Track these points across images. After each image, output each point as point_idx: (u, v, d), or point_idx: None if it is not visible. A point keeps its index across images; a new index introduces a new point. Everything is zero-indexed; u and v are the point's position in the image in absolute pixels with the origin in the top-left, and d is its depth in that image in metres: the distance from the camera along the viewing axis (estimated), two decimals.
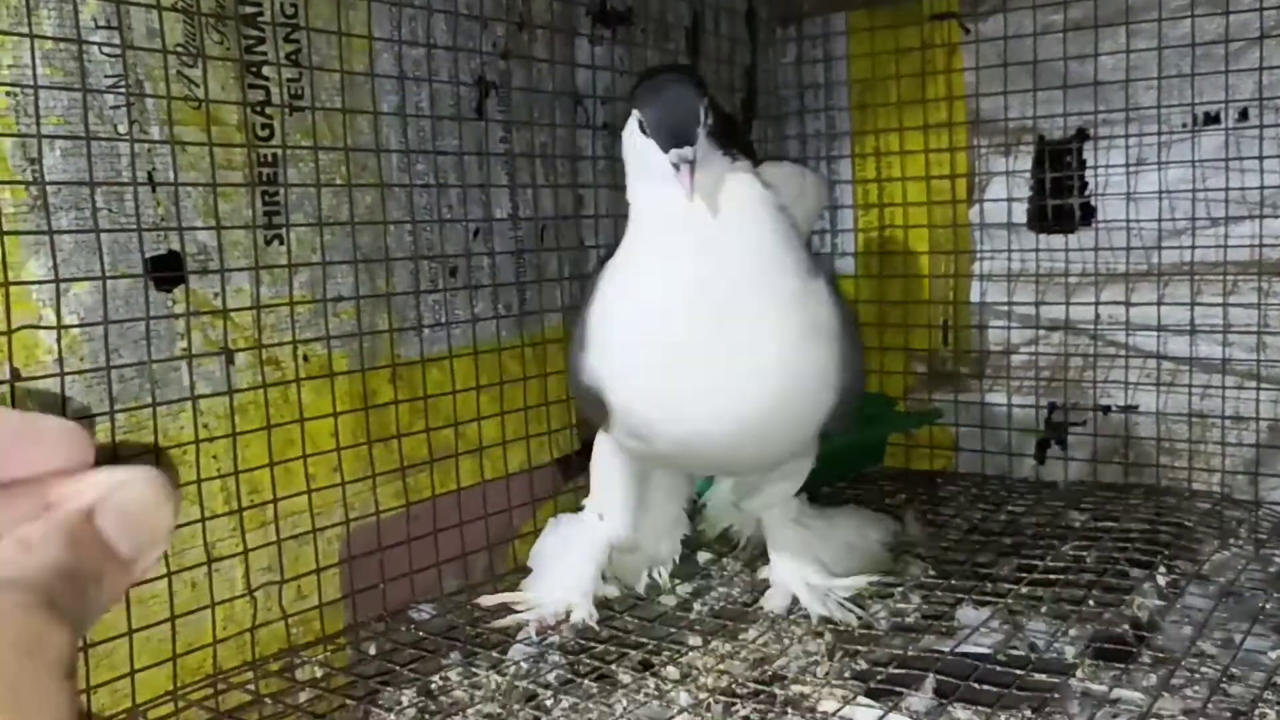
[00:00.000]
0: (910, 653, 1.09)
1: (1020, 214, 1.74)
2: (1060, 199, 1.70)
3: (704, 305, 0.99)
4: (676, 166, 0.95)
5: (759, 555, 1.34)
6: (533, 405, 1.44)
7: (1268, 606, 1.19)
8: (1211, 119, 1.57)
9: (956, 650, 1.09)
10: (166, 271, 1.06)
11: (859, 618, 1.18)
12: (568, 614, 1.18)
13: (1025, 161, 1.73)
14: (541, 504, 1.46)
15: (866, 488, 1.71)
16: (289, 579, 1.16)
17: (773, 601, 1.23)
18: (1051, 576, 1.28)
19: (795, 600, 1.22)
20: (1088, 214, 1.68)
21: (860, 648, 1.11)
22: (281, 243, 1.16)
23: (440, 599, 1.31)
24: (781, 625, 1.19)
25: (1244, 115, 1.54)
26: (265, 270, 1.14)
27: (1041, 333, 1.74)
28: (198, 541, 1.08)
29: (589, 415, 1.14)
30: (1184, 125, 1.59)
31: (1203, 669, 1.05)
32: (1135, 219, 1.63)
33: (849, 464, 1.75)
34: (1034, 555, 1.35)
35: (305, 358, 1.19)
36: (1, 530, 0.35)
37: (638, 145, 1.00)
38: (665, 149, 0.96)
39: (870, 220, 1.88)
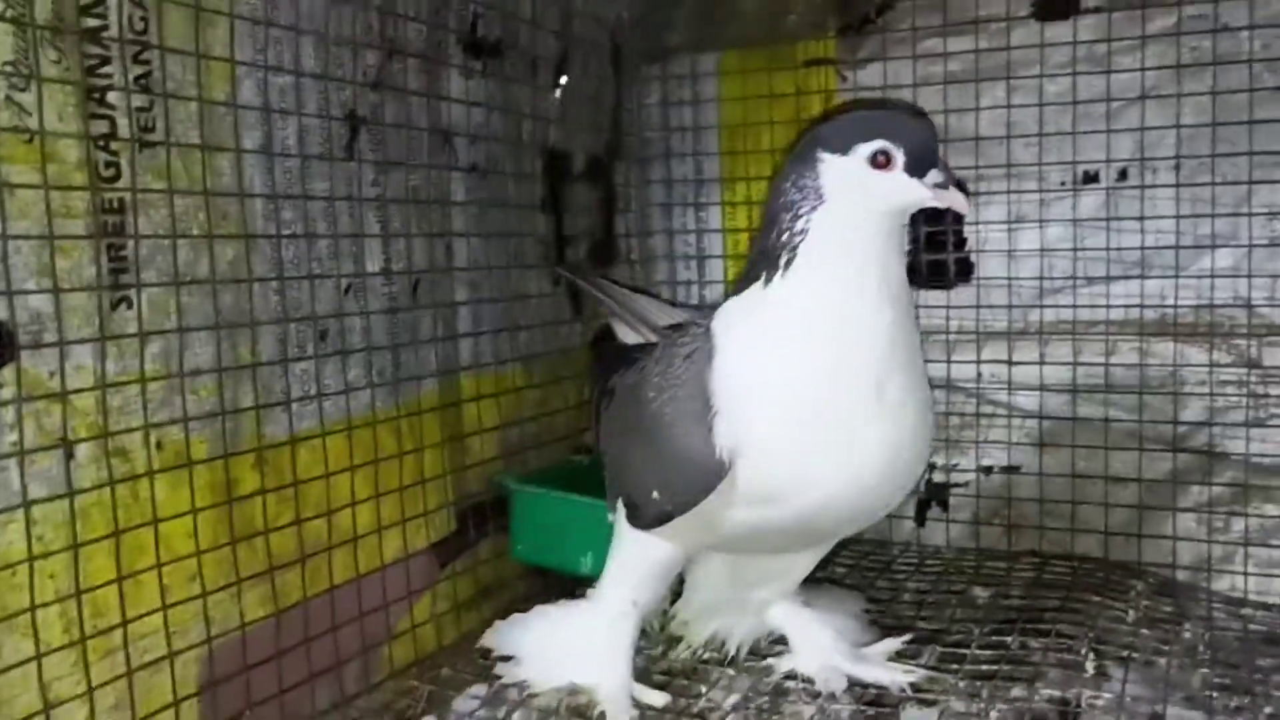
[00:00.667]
0: None
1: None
2: (938, 254, 1.66)
3: (872, 367, 0.97)
4: (944, 185, 0.96)
5: (749, 654, 1.25)
6: (409, 484, 1.27)
7: (1193, 682, 1.16)
8: (1091, 178, 1.57)
9: None
10: None
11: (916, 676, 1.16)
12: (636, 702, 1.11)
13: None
14: (419, 596, 1.29)
15: None
16: (142, 718, 0.95)
17: (832, 683, 1.15)
18: (961, 651, 1.23)
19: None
20: (966, 270, 1.65)
21: None
22: (130, 307, 0.95)
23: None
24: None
25: (1123, 175, 1.54)
26: (111, 341, 0.93)
27: None
28: (31, 685, 0.85)
29: (681, 498, 1.02)
30: (1063, 183, 1.58)
31: None
32: (1015, 276, 1.61)
33: None
34: (944, 633, 1.30)
35: (158, 445, 0.98)
36: None
37: (866, 180, 0.97)
38: (923, 174, 0.96)
39: (741, 271, 1.79)
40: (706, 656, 1.25)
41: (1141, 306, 1.54)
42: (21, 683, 0.85)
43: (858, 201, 0.97)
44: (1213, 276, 1.51)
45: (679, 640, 1.26)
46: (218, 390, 1.03)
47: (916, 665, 1.21)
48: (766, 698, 1.17)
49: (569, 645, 1.15)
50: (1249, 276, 1.49)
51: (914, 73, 1.63)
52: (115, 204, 0.94)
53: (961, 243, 1.65)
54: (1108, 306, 1.56)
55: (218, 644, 1.02)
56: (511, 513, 1.42)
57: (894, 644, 1.22)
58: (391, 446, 1.24)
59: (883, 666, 1.18)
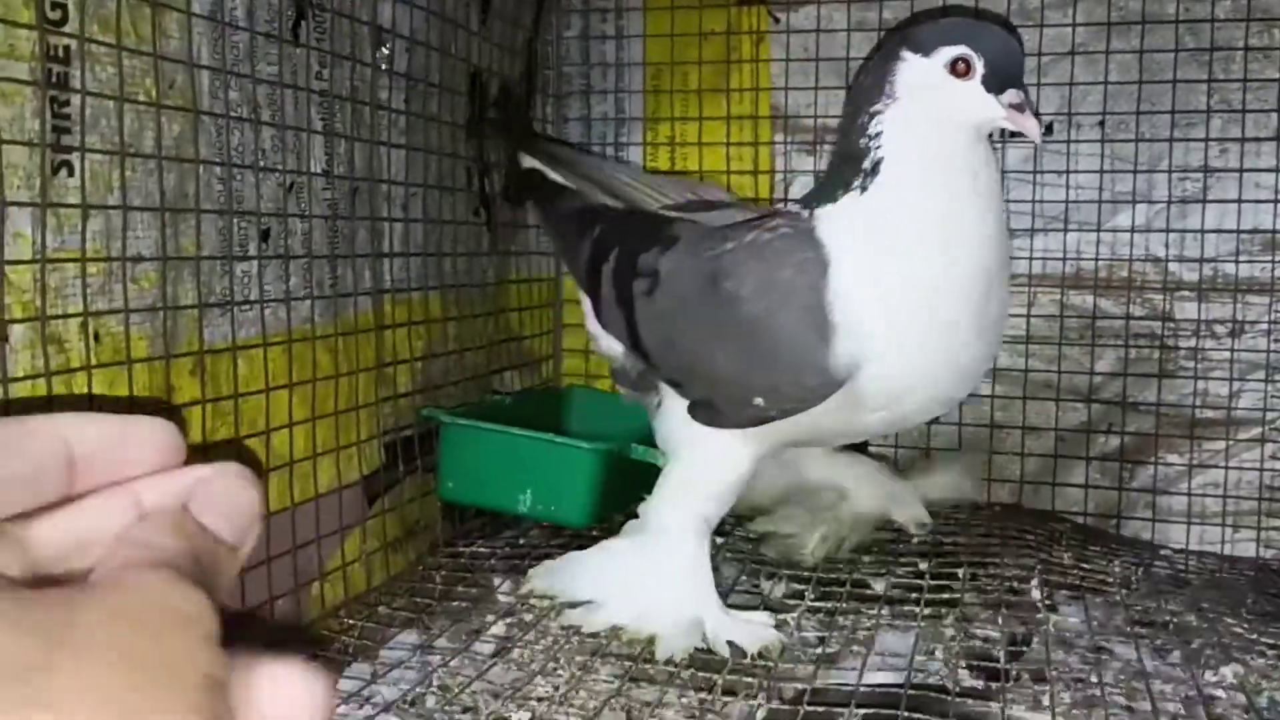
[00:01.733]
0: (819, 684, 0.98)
1: None
2: None
3: (979, 278, 0.99)
4: (1020, 108, 0.96)
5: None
6: (344, 409, 1.16)
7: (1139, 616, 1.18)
8: (1017, 131, 1.57)
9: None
10: None
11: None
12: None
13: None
14: (349, 533, 1.18)
15: None
16: None
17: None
18: (918, 582, 1.23)
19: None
20: None
21: None
22: (71, 173, 0.82)
23: None
24: None
25: (1049, 129, 1.56)
26: (51, 211, 0.80)
27: None
28: None
29: (777, 397, 1.00)
30: (991, 135, 1.58)
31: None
32: None
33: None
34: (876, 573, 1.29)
35: (96, 336, 0.85)
36: (103, 532, 0.36)
37: (942, 85, 0.96)
38: (1000, 90, 0.96)
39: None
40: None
41: (1063, 260, 1.57)
42: None
43: (931, 107, 0.96)
44: (1131, 231, 1.55)
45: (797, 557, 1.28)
46: (161, 281, 0.90)
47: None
48: None
49: (647, 580, 1.07)
50: (1165, 232, 1.53)
51: (849, 18, 1.61)
52: (61, 52, 0.81)
53: None
54: (1029, 259, 1.58)
55: None
56: (441, 448, 1.33)
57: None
58: (328, 366, 1.13)
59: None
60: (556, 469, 1.27)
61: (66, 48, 0.81)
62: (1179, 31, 1.49)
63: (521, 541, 1.40)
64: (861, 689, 0.97)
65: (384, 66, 1.24)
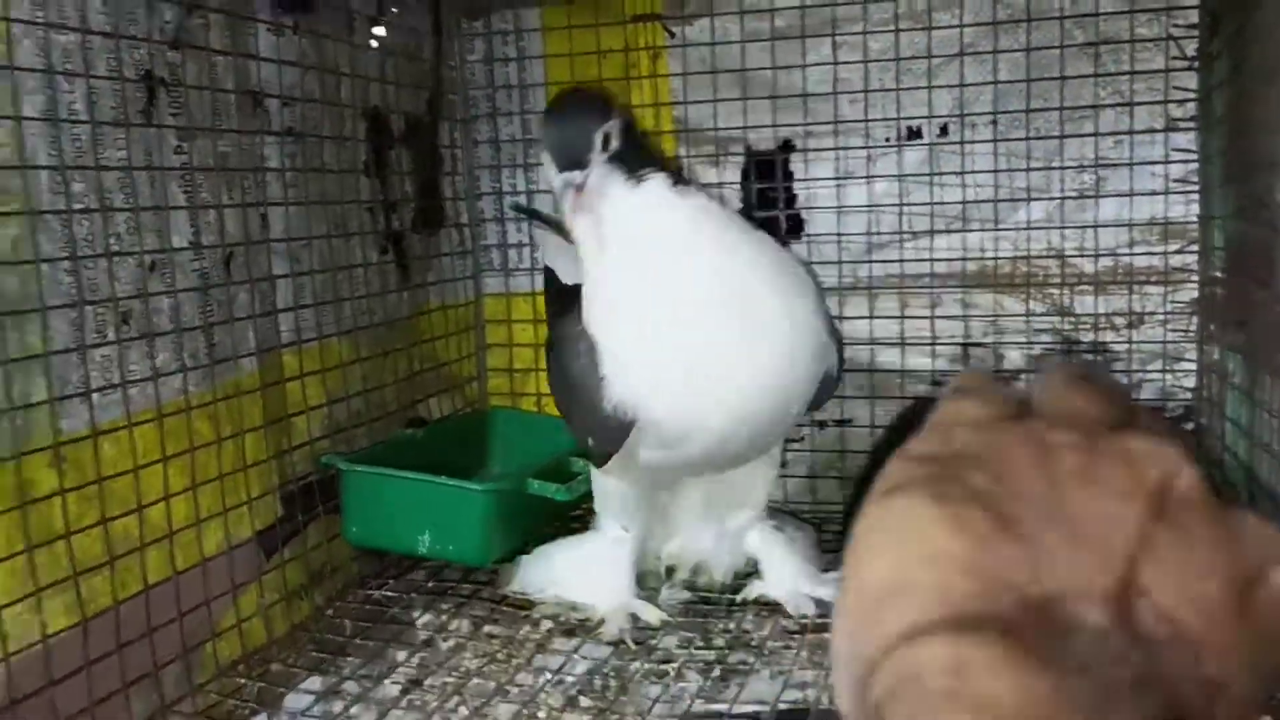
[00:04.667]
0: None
1: None
2: (769, 211, 1.66)
3: (726, 319, 1.05)
4: (564, 189, 1.01)
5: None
6: (229, 471, 1.19)
7: None
8: (914, 134, 1.59)
9: None
10: None
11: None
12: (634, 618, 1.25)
13: (734, 173, 1.67)
14: (244, 589, 1.22)
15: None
16: None
17: (801, 607, 1.27)
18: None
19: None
20: (796, 226, 1.66)
21: None
22: None
23: None
24: None
25: (944, 130, 1.57)
26: None
27: None
28: None
29: (603, 448, 1.14)
30: (888, 139, 1.60)
31: None
32: (843, 232, 1.62)
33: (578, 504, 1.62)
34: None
35: None
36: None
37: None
38: (560, 170, 1.02)
39: None
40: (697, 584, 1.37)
41: (964, 260, 1.58)
42: None
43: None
44: (1028, 229, 1.55)
45: (673, 571, 1.36)
46: (4, 384, 0.93)
47: None
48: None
49: (577, 570, 1.30)
50: (1061, 228, 1.54)
51: (742, 29, 1.61)
52: None
53: (791, 199, 1.65)
54: (931, 260, 1.59)
55: (16, 661, 0.94)
56: (342, 493, 1.36)
57: None
58: (208, 433, 1.16)
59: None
60: (450, 510, 1.30)
61: None
62: (1065, 26, 1.49)
63: (442, 574, 1.44)
64: None
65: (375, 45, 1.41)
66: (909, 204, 1.59)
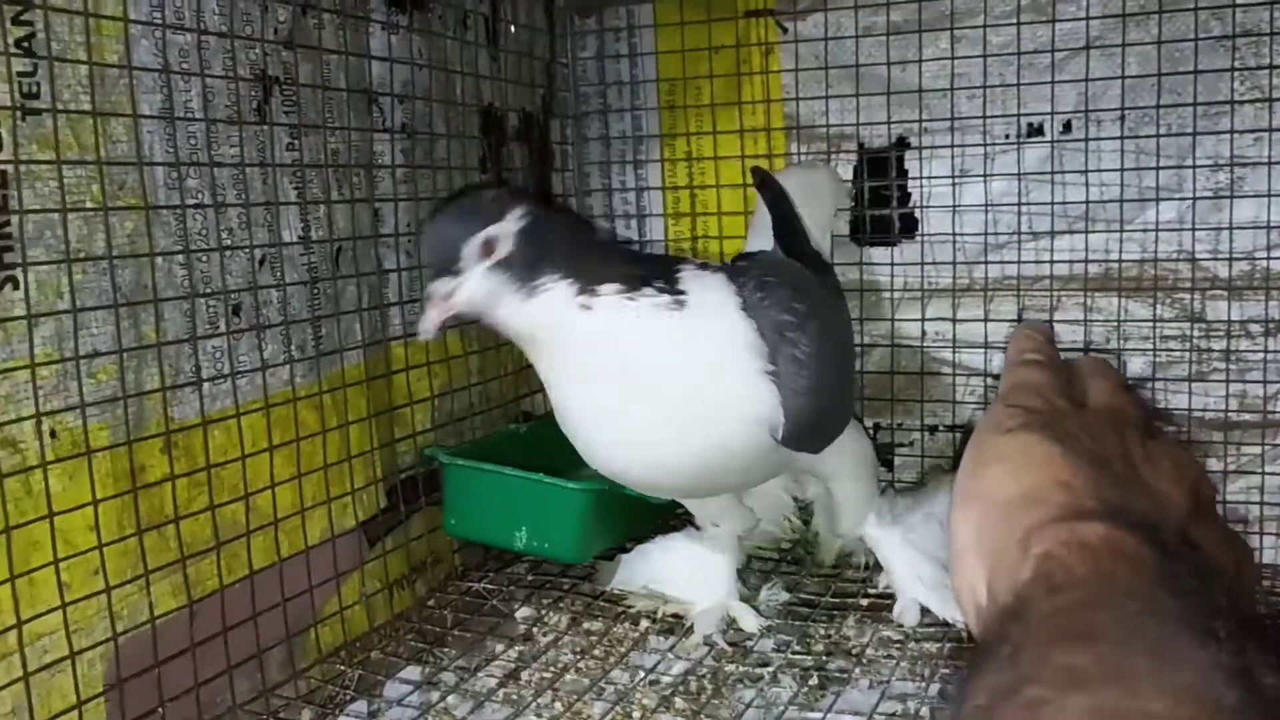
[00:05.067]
0: None
1: (842, 225, 1.65)
2: (882, 209, 1.62)
3: (624, 382, 1.01)
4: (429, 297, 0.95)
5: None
6: (334, 462, 1.22)
7: None
8: (1036, 130, 1.53)
9: None
10: None
11: None
12: (732, 620, 1.26)
13: (846, 170, 1.64)
14: (346, 577, 1.24)
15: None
16: None
17: (906, 616, 1.25)
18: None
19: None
20: (910, 225, 1.61)
21: None
22: (16, 287, 0.89)
23: (233, 710, 1.07)
24: None
25: (1067, 127, 1.51)
26: None
27: (865, 349, 1.66)
28: None
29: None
30: (1008, 136, 1.54)
31: None
32: (959, 232, 1.58)
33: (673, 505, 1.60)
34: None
35: (53, 433, 0.92)
36: None
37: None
38: (431, 279, 0.95)
39: (681, 230, 1.75)
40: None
41: (1086, 261, 1.51)
42: None
43: None
44: (1157, 230, 1.48)
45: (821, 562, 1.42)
46: (119, 373, 0.97)
47: None
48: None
49: (675, 566, 1.32)
50: (1192, 229, 1.46)
51: (856, 24, 1.57)
52: None
53: (905, 198, 1.61)
54: (1052, 261, 1.53)
55: (125, 640, 0.97)
56: (444, 487, 1.38)
57: None
58: (314, 423, 1.19)
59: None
60: (546, 507, 1.30)
61: (3, 173, 0.87)
62: (1200, 18, 1.42)
63: (542, 568, 1.45)
64: None
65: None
66: (1028, 203, 1.53)
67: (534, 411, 1.66)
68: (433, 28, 1.41)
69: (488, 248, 0.94)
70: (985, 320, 1.56)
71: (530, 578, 1.43)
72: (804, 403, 1.03)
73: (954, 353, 1.59)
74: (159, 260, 1.01)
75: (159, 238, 1.01)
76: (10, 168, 0.88)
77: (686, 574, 1.30)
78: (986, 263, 1.57)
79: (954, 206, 1.57)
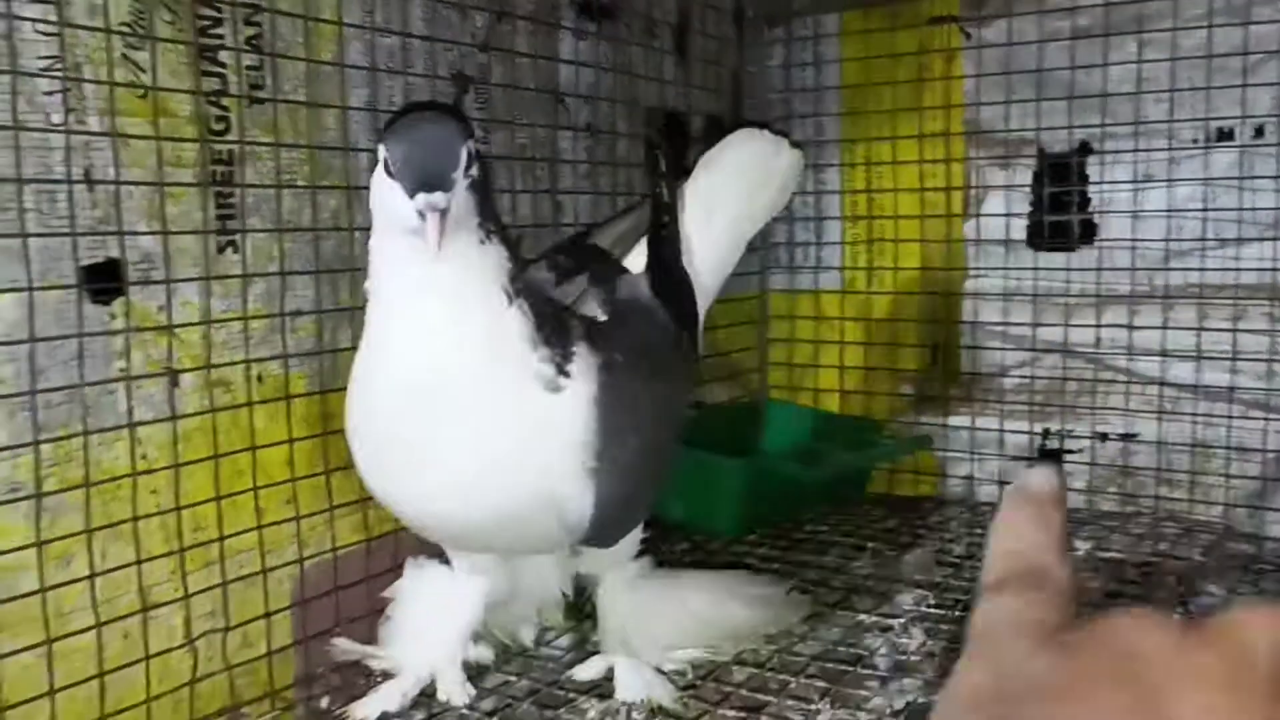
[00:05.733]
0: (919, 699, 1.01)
1: (1018, 230, 1.65)
2: (1061, 215, 1.62)
3: (414, 396, 0.87)
4: (423, 215, 0.79)
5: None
6: None
7: None
8: (1225, 135, 1.49)
9: None
10: (104, 282, 0.93)
11: (674, 699, 1.02)
12: (432, 684, 1.03)
13: (1025, 175, 1.64)
14: None
15: (847, 515, 1.62)
16: (234, 626, 1.04)
17: (583, 671, 1.07)
18: None
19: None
20: (1089, 232, 1.60)
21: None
22: (235, 250, 1.04)
23: None
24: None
25: (1259, 132, 1.47)
26: (217, 281, 1.02)
27: (1037, 355, 1.65)
28: (132, 586, 0.96)
29: None
30: (1195, 141, 1.51)
31: None
32: (1140, 238, 1.55)
33: (828, 493, 1.65)
34: None
35: (259, 378, 1.06)
36: None
37: (382, 188, 0.83)
38: (412, 194, 0.80)
39: (858, 233, 1.79)
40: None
41: (1274, 270, 1.47)
42: (124, 583, 0.95)
43: (380, 209, 0.86)
44: None
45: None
46: (317, 330, 1.11)
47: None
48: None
49: (417, 609, 1.09)
50: None
51: (1040, 28, 1.58)
52: (225, 155, 1.02)
53: (1085, 203, 1.60)
54: (1238, 270, 1.49)
55: (310, 564, 1.11)
56: None
57: (689, 655, 1.09)
58: None
59: (641, 674, 1.04)
60: (704, 480, 1.37)
61: (230, 151, 1.03)
62: None
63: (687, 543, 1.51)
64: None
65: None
66: (1214, 210, 1.50)
67: (706, 402, 1.74)
68: (620, 35, 1.51)
69: (468, 161, 0.82)
70: (1163, 328, 1.54)
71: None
72: (610, 511, 0.94)
73: (1129, 360, 1.57)
74: (358, 235, 1.14)
75: (358, 215, 1.15)
76: (237, 148, 1.03)
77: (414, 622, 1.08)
78: (1168, 269, 1.54)
79: (1134, 212, 1.55)
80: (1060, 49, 1.57)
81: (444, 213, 0.79)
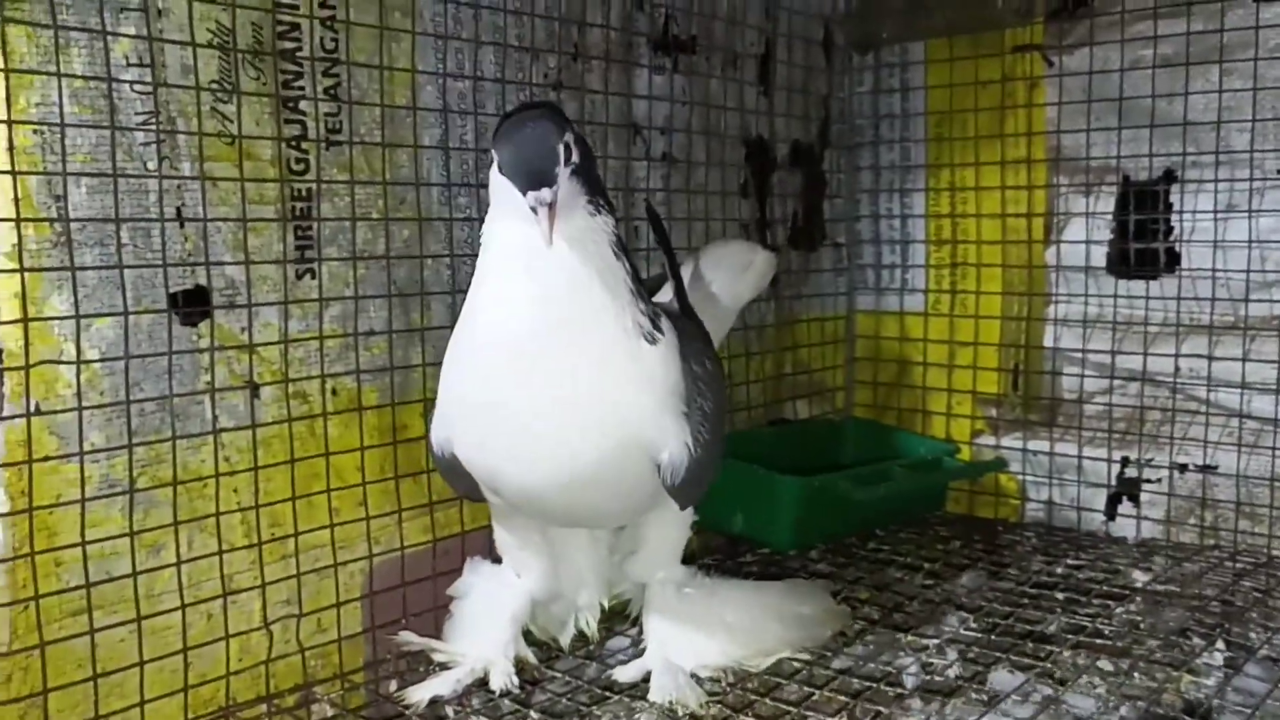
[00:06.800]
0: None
1: (1099, 257, 1.65)
2: (1143, 243, 1.61)
3: (531, 355, 0.96)
4: (534, 210, 0.89)
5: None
6: None
7: None
8: None
9: None
10: (193, 306, 1.07)
11: (700, 704, 1.08)
12: (485, 675, 1.12)
13: (1107, 203, 1.64)
14: None
15: (921, 532, 1.65)
16: (308, 612, 1.16)
17: (624, 673, 1.14)
18: (1099, 641, 1.22)
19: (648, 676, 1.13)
20: (1172, 260, 1.59)
21: None
22: (313, 277, 1.16)
23: None
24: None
25: None
26: (295, 304, 1.14)
27: (1117, 383, 1.65)
28: (215, 573, 1.08)
29: (451, 482, 1.10)
30: (1279, 171, 1.49)
31: None
32: (1223, 268, 1.54)
33: (905, 508, 1.68)
34: (1087, 614, 1.29)
35: (334, 391, 1.19)
36: None
37: (499, 185, 0.95)
38: (523, 191, 0.90)
39: (942, 257, 1.82)
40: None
41: None
42: (208, 570, 1.08)
43: (500, 203, 0.97)
44: None
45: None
46: (389, 349, 1.22)
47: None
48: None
49: (474, 607, 1.20)
50: None
51: (1122, 57, 1.58)
52: (303, 192, 1.15)
53: (1168, 232, 1.59)
54: None
55: (379, 561, 1.22)
56: None
57: (718, 661, 1.15)
58: None
59: (676, 679, 1.11)
60: (763, 496, 1.44)
61: (308, 189, 1.15)
62: None
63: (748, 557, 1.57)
64: None
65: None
66: None
67: (791, 418, 1.80)
68: (698, 69, 1.59)
69: (567, 151, 0.93)
70: (1244, 360, 1.52)
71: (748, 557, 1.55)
72: (701, 455, 1.01)
73: (1209, 391, 1.55)
74: (428, 261, 1.26)
75: (430, 243, 1.26)
76: (314, 185, 1.15)
77: (469, 622, 1.19)
78: (1249, 300, 1.52)
79: (1217, 242, 1.54)
80: (1143, 77, 1.57)
81: (551, 205, 0.89)
